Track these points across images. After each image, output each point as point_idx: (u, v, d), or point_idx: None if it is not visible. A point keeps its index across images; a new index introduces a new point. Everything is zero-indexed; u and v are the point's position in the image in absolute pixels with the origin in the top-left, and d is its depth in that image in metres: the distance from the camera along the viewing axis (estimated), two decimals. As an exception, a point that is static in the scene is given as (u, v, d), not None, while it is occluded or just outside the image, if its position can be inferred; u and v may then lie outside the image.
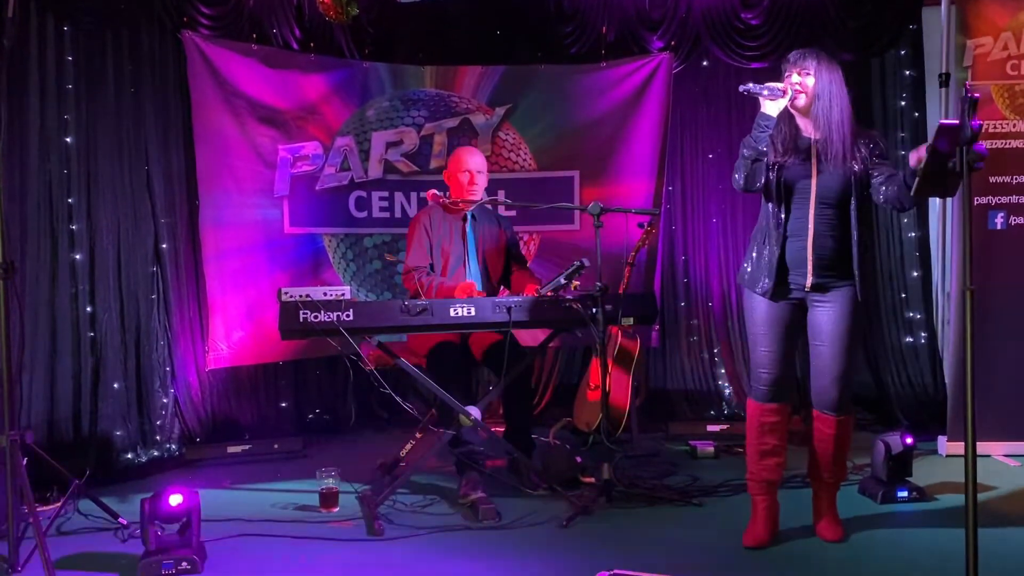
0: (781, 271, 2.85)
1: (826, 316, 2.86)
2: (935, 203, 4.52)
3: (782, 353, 2.91)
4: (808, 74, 2.81)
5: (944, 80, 4.06)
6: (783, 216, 2.84)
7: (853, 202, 2.80)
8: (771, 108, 2.76)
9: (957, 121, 2.17)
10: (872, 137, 2.86)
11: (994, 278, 3.96)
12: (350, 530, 3.15)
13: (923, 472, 3.60)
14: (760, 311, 2.92)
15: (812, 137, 2.84)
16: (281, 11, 4.56)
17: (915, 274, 4.87)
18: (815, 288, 2.84)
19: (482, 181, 3.88)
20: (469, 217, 3.89)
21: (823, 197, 2.81)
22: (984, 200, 4.07)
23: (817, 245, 2.81)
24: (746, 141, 2.80)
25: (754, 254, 2.95)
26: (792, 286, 2.87)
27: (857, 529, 3.04)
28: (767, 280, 2.86)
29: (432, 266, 3.82)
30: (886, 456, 3.36)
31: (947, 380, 4.23)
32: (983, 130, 4.05)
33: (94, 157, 4.07)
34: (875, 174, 2.81)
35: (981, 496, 3.28)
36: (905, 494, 3.34)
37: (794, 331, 2.93)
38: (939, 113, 4.24)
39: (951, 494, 3.41)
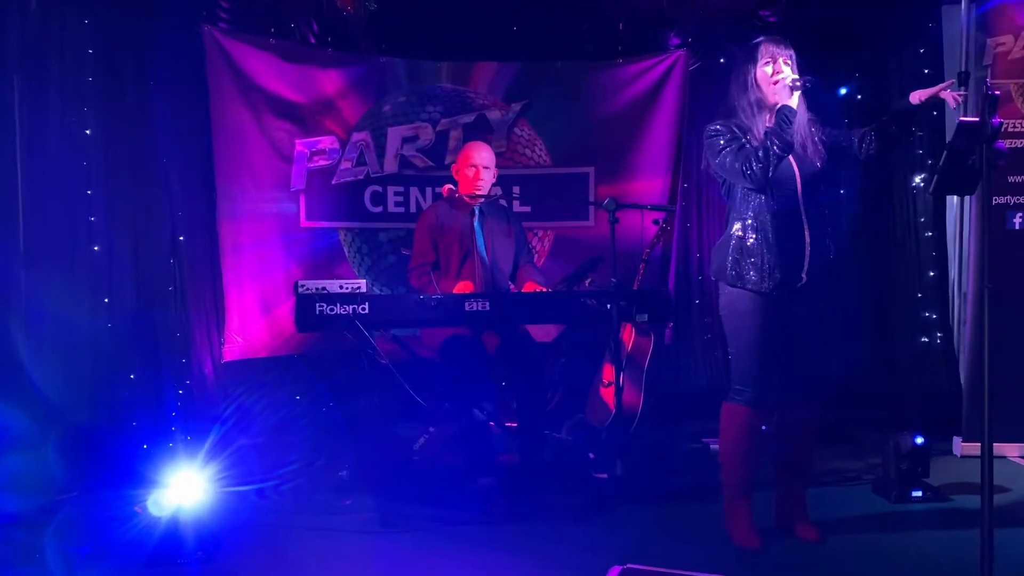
0: (777, 266, 2.79)
1: (809, 310, 2.85)
2: (951, 203, 4.49)
3: (773, 353, 2.84)
4: (792, 63, 2.80)
5: (963, 79, 4.02)
6: (773, 209, 2.79)
7: (823, 196, 2.83)
8: (794, 101, 2.75)
9: (977, 118, 2.16)
10: (813, 120, 2.87)
11: (1012, 279, 3.93)
12: (363, 521, 3.17)
13: (938, 472, 3.58)
14: (754, 310, 2.82)
15: None
16: (299, 5, 4.59)
17: (931, 274, 4.82)
18: (804, 283, 2.82)
19: (488, 176, 3.82)
20: (477, 212, 3.87)
21: (806, 189, 2.81)
22: (1003, 200, 4.04)
23: (813, 239, 2.79)
24: (775, 136, 2.71)
25: (734, 244, 2.84)
26: (785, 281, 2.80)
27: (871, 528, 3.03)
28: (768, 276, 2.78)
29: (437, 263, 3.80)
30: (897, 455, 3.35)
31: (962, 380, 4.20)
32: (1003, 128, 4.03)
33: (113, 149, 4.11)
34: (844, 141, 2.86)
35: (996, 497, 3.26)
36: (919, 493, 3.33)
37: (781, 329, 2.85)
38: (957, 111, 4.21)
39: (966, 494, 3.39)
